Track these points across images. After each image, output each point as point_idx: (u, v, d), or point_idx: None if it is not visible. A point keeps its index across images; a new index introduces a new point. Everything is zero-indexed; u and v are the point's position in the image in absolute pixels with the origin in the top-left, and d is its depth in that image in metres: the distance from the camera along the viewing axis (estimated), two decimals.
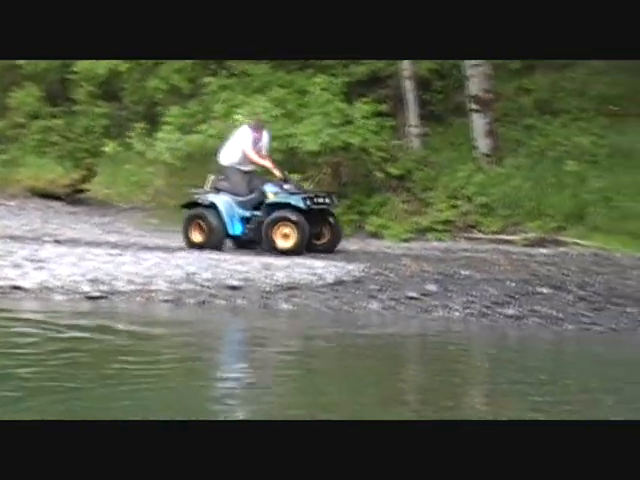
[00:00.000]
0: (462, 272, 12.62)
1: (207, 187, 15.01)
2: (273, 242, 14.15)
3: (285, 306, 11.63)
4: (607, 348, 9.84)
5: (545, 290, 11.60)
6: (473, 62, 15.74)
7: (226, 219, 14.51)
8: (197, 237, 14.67)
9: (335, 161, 16.39)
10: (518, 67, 17.24)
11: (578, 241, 14.24)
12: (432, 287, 12.03)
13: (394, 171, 16.23)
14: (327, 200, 14.37)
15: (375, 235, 15.95)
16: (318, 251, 14.23)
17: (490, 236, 15.16)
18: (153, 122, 18.26)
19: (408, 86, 16.61)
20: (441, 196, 16.01)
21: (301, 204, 14.05)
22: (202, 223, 14.60)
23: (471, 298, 11.54)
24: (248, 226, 14.57)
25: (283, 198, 14.22)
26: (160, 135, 16.88)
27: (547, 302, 11.25)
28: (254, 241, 14.59)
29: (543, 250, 14.37)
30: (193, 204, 15.00)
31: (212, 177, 15.12)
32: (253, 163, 14.72)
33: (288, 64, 17.38)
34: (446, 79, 17.58)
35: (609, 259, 13.17)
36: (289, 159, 16.13)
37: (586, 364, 9.23)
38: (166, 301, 11.32)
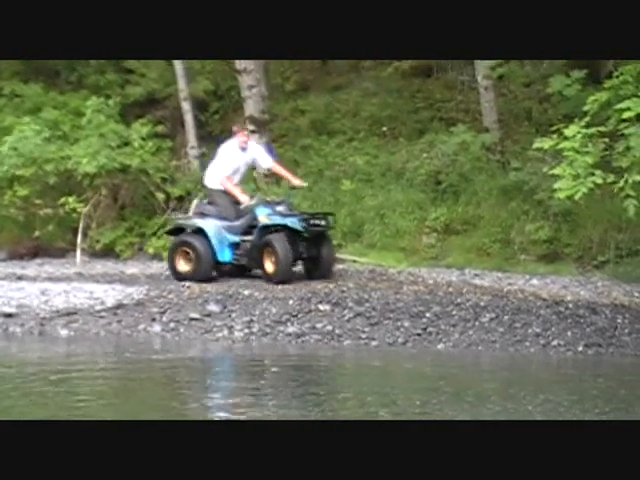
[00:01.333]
0: (243, 292, 12.73)
1: (191, 212, 14.06)
2: (263, 267, 13.03)
3: (63, 332, 11.44)
4: (383, 361, 10.16)
5: (324, 307, 11.84)
6: (248, 83, 15.94)
7: (215, 245, 13.29)
8: (183, 266, 13.39)
9: (114, 183, 16.19)
10: (293, 89, 17.56)
11: (356, 258, 14.58)
12: (214, 307, 12.08)
13: (174, 192, 16.21)
14: (323, 222, 13.26)
15: (156, 257, 15.85)
16: (315, 277, 13.19)
17: None
18: None
19: (185, 107, 16.63)
20: None
21: (298, 226, 12.93)
22: (189, 250, 13.30)
23: (252, 317, 11.67)
24: (237, 252, 13.40)
25: (278, 220, 13.03)
26: None
27: (326, 319, 11.51)
28: (244, 267, 13.52)
29: None
30: (178, 230, 13.81)
31: (196, 201, 14.33)
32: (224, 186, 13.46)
33: (62, 85, 17.09)
34: (223, 100, 17.71)
35: (384, 274, 13.57)
36: (66, 181, 15.81)
37: (363, 378, 9.50)
38: None
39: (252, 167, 14.30)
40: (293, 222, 12.90)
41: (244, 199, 13.23)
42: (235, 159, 13.45)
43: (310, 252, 13.16)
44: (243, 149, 13.45)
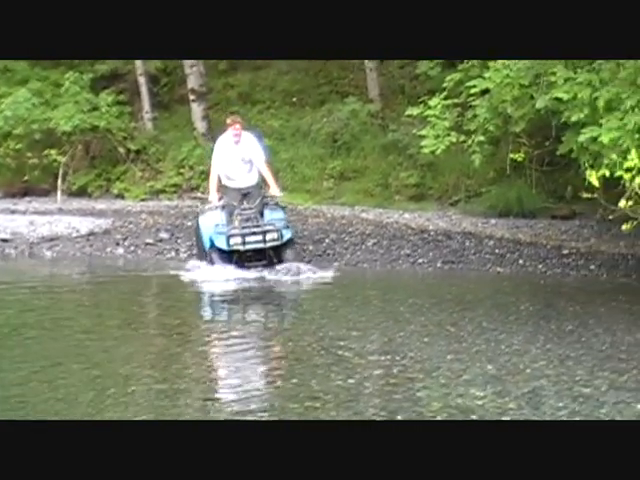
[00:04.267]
0: (187, 223, 12.62)
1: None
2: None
3: (48, 253, 11.27)
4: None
5: None
6: (191, 62, 15.63)
7: (204, 235, 9.94)
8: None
9: (86, 139, 15.96)
10: (225, 68, 17.25)
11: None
12: (164, 235, 11.99)
13: (133, 147, 16.05)
14: (265, 238, 9.43)
15: (119, 196, 15.63)
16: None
17: (208, 195, 15.19)
18: None
19: (141, 81, 16.27)
20: (170, 166, 15.92)
21: (223, 245, 9.44)
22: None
23: (194, 242, 11.60)
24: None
25: (214, 235, 9.61)
26: None
27: None
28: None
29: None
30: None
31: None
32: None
33: (44, 62, 16.57)
34: (171, 75, 17.36)
35: (294, 210, 13.58)
36: (48, 138, 15.47)
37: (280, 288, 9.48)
38: None
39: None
40: (220, 240, 9.46)
41: (212, 198, 9.84)
42: (227, 153, 9.90)
43: (260, 260, 9.53)
44: (236, 142, 9.88)
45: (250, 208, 9.62)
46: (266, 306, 7.78)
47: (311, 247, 11.19)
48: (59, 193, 15.56)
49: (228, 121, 10.13)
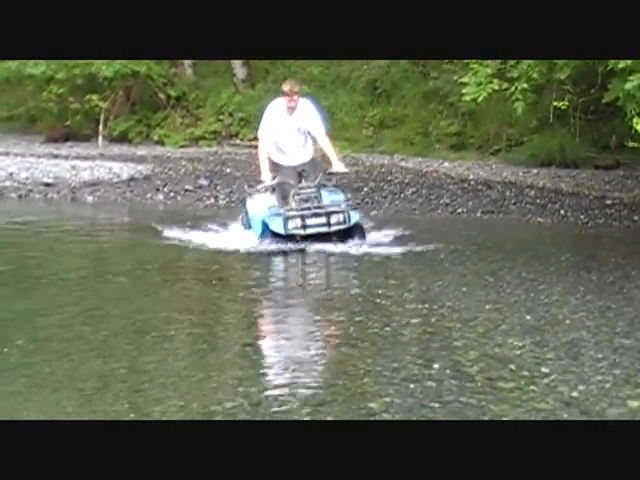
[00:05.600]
0: (226, 170, 12.62)
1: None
2: None
3: (89, 198, 11.36)
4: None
5: None
6: None
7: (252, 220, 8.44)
8: None
9: (127, 85, 15.95)
10: None
11: None
12: (204, 182, 12.02)
13: (173, 93, 16.03)
14: (329, 220, 7.83)
15: (159, 143, 15.67)
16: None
17: (247, 142, 15.19)
18: None
19: None
20: (209, 112, 15.92)
21: (281, 229, 7.79)
22: None
23: (233, 189, 11.62)
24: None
25: (269, 218, 7.95)
26: None
27: None
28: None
29: None
30: None
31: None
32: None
33: None
34: None
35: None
36: (90, 83, 15.49)
37: None
38: None
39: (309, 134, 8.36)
40: (276, 223, 7.83)
41: (265, 177, 8.07)
42: (278, 123, 8.19)
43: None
44: (290, 111, 8.14)
45: (309, 187, 7.98)
46: (306, 256, 7.77)
47: (349, 195, 11.14)
48: (100, 138, 15.67)
49: (285, 88, 8.16)
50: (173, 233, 8.63)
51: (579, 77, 10.36)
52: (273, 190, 8.15)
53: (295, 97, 8.09)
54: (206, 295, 6.35)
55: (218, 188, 11.67)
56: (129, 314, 5.65)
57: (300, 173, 8.23)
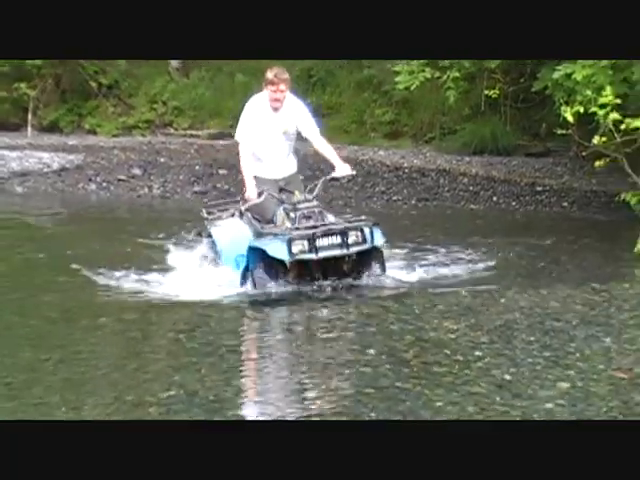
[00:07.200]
0: (160, 159, 12.48)
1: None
2: None
3: (19, 189, 11.12)
4: None
5: (223, 171, 11.72)
6: None
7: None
8: None
9: (56, 73, 15.65)
10: None
11: None
12: (137, 171, 11.85)
13: (104, 81, 15.77)
14: (346, 239, 5.96)
15: (91, 132, 15.41)
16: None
17: (181, 131, 15.03)
18: None
19: None
20: (142, 101, 15.70)
21: (284, 254, 5.88)
22: None
23: (167, 179, 11.50)
24: None
25: (255, 243, 6.10)
26: None
27: (224, 180, 11.43)
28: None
29: (221, 141, 14.41)
30: None
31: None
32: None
33: None
34: None
35: None
36: (18, 70, 15.12)
37: None
38: None
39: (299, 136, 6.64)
40: (278, 246, 5.90)
41: (250, 192, 6.24)
42: (260, 123, 6.41)
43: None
44: (275, 108, 6.39)
45: (307, 200, 6.17)
46: None
47: None
48: (29, 128, 15.30)
49: (269, 75, 6.37)
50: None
51: (509, 66, 10.51)
52: (242, 214, 6.42)
53: (282, 87, 6.30)
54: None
55: (152, 178, 11.53)
56: (61, 302, 5.55)
57: (282, 189, 6.42)
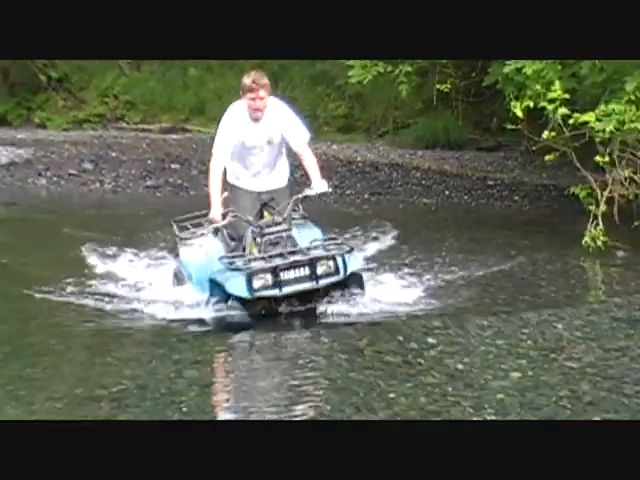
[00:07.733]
0: (112, 154, 12.34)
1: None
2: None
3: None
4: None
5: (175, 166, 11.64)
6: None
7: None
8: None
9: (4, 65, 15.37)
10: None
11: (200, 129, 14.30)
12: (88, 166, 11.72)
13: (54, 74, 15.56)
14: (315, 270, 5.31)
15: (41, 126, 15.19)
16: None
17: (133, 126, 14.89)
18: None
19: None
20: (93, 94, 15.53)
21: (243, 291, 5.25)
22: None
23: (119, 173, 11.38)
24: None
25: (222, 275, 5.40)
26: None
27: (177, 174, 11.33)
28: None
29: (174, 136, 14.31)
30: None
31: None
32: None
33: None
34: None
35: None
36: None
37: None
38: None
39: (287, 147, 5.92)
40: (236, 283, 5.27)
41: (214, 213, 5.50)
42: (240, 135, 5.70)
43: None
44: (256, 117, 5.68)
45: (276, 223, 5.47)
46: None
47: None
48: None
49: (246, 81, 5.67)
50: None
51: (461, 61, 10.59)
52: (216, 231, 5.79)
53: (262, 94, 5.61)
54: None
55: (104, 172, 11.40)
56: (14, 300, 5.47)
57: (265, 204, 5.71)
